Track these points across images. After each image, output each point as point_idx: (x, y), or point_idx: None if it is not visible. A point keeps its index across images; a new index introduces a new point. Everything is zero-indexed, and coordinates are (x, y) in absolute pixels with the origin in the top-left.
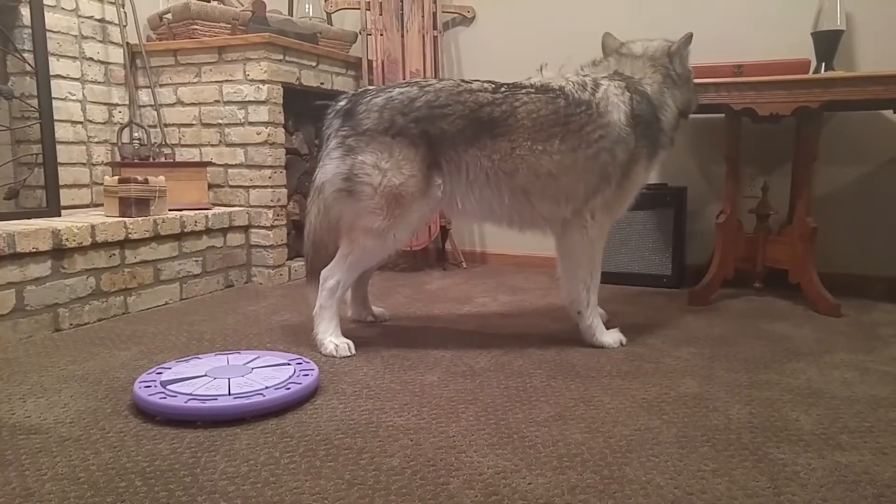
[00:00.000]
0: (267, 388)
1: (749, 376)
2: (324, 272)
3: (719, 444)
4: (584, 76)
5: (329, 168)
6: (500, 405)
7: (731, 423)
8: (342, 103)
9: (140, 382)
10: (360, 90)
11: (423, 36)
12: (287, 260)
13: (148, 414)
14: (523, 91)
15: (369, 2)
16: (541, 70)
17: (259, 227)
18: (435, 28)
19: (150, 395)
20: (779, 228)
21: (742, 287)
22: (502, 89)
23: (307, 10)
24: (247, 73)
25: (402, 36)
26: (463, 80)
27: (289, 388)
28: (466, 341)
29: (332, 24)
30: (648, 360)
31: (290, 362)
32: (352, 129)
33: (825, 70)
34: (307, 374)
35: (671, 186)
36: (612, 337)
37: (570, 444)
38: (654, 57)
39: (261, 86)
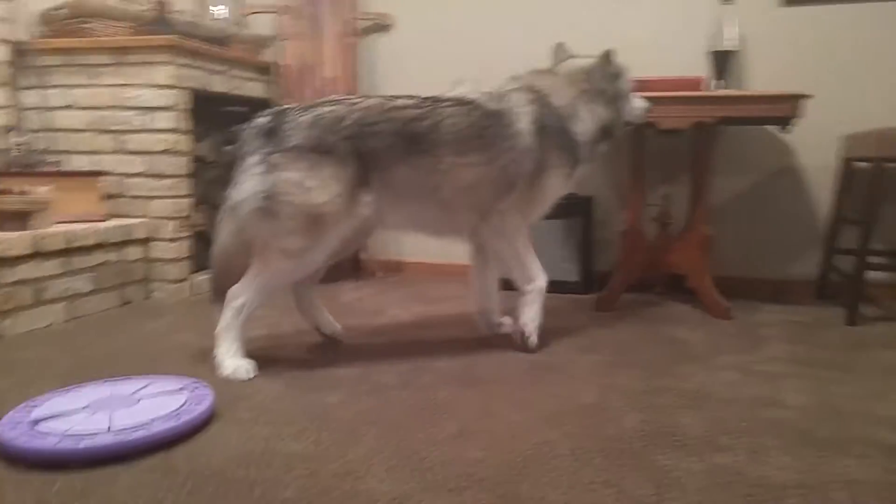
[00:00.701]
0: (154, 420)
1: (645, 382)
2: (231, 290)
3: (612, 454)
4: (496, 88)
5: (247, 186)
6: (402, 424)
7: (623, 432)
8: (264, 121)
9: (5, 422)
10: (282, 108)
11: (340, 42)
12: (190, 273)
13: (13, 459)
14: (444, 104)
15: (286, 5)
16: (458, 84)
17: (160, 239)
18: (352, 34)
19: (14, 436)
20: (679, 236)
21: (645, 292)
22: (425, 103)
23: (218, 12)
24: (149, 76)
25: (318, 42)
26: (389, 97)
27: (179, 419)
28: (375, 356)
29: (246, 27)
30: (553, 370)
31: (184, 388)
32: (276, 147)
33: (720, 88)
34: (201, 401)
35: (579, 196)
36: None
37: (468, 462)
38: (572, 73)
39: (165, 90)
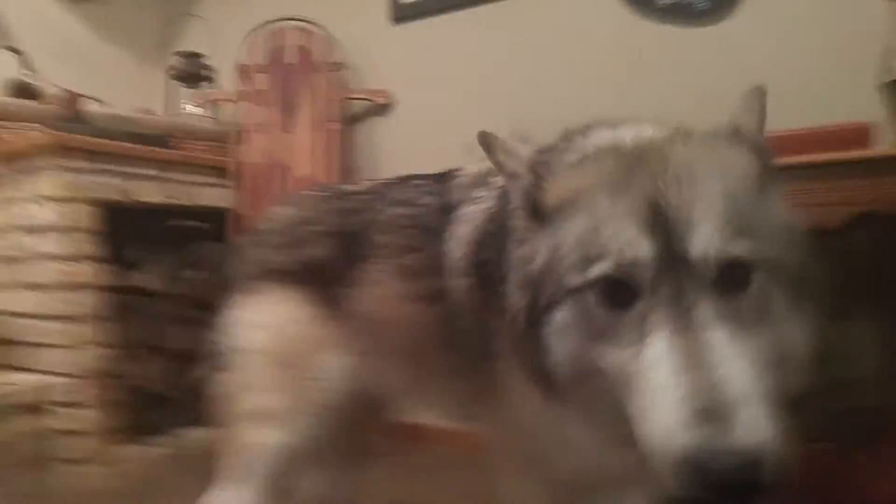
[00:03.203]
0: None
1: None
2: None
3: None
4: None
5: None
6: None
7: None
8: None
9: None
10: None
11: (318, 132)
12: (114, 446)
13: None
14: (411, 185)
15: (245, 91)
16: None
17: (60, 404)
18: (333, 119)
19: None
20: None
21: None
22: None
23: (191, 108)
24: (36, 187)
25: (290, 132)
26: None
27: None
28: None
29: (215, 119)
30: None
31: None
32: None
33: None
34: None
35: None
36: None
37: None
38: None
39: (54, 204)
